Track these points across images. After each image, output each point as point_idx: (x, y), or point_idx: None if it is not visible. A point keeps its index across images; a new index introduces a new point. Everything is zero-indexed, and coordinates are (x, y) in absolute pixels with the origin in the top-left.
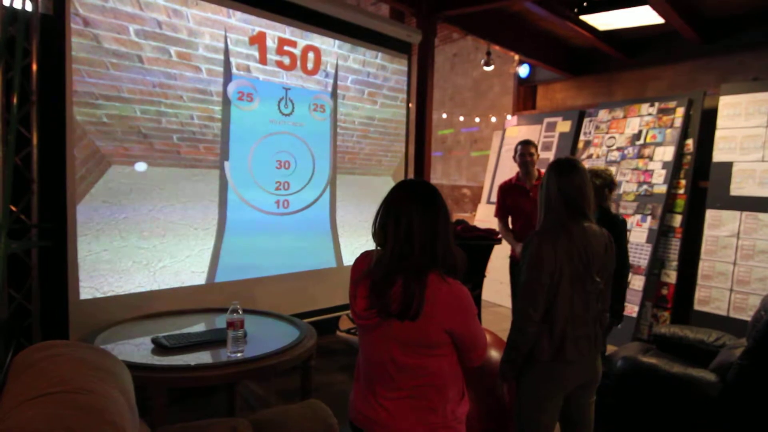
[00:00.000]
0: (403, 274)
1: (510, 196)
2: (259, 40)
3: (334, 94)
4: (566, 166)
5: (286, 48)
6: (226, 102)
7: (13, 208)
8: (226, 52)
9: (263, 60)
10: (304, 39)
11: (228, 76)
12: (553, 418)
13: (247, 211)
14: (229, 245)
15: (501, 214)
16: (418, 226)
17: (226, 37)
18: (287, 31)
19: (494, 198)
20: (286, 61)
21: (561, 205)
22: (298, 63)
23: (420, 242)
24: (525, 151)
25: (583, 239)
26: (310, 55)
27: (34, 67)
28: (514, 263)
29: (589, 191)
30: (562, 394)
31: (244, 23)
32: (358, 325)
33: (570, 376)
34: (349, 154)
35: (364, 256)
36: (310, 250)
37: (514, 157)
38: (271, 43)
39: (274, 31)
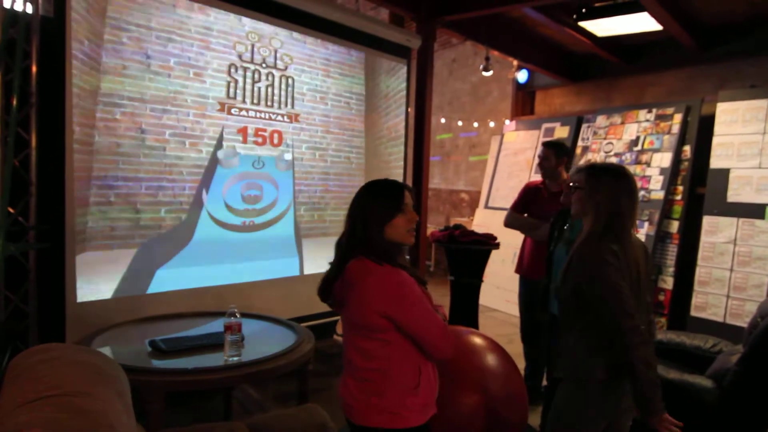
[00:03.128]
0: (336, 262)
1: (527, 197)
2: (243, 131)
3: (293, 156)
4: (619, 173)
5: (259, 132)
6: (214, 160)
7: (11, 210)
8: (221, 139)
9: (245, 141)
10: (270, 126)
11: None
12: None
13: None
14: (227, 248)
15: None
16: (351, 214)
17: (222, 131)
18: (260, 124)
19: (492, 203)
20: (260, 140)
21: (611, 213)
22: (267, 140)
23: (350, 228)
24: (542, 153)
25: (633, 250)
26: (275, 135)
27: (34, 69)
28: (526, 281)
29: (638, 201)
30: (606, 421)
31: (235, 122)
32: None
33: (620, 399)
34: (317, 210)
35: None
36: (309, 253)
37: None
38: (250, 131)
39: (253, 124)
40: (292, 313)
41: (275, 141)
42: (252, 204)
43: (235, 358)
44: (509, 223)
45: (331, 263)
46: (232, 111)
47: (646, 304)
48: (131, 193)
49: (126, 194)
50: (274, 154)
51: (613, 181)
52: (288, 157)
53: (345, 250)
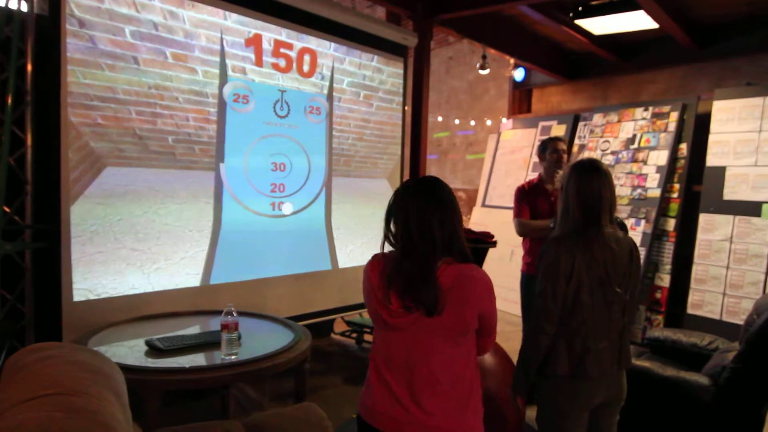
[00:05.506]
0: (426, 269)
1: (529, 198)
2: (254, 42)
3: (329, 97)
4: (586, 168)
5: (282, 50)
6: (222, 104)
7: (7, 209)
8: (222, 53)
9: (259, 62)
10: (300, 41)
11: (224, 78)
12: None
13: (242, 213)
14: (224, 247)
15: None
16: (439, 222)
17: (222, 39)
18: (283, 34)
19: (489, 201)
20: (282, 63)
21: (579, 209)
22: (294, 65)
23: (438, 236)
24: (559, 146)
25: (604, 246)
26: (306, 57)
27: (29, 67)
28: (528, 279)
29: (610, 195)
30: (585, 411)
31: (240, 25)
32: (392, 324)
33: (591, 393)
34: (344, 156)
35: (380, 258)
36: (305, 252)
37: (541, 156)
38: (267, 45)
39: (270, 33)
40: (290, 311)
41: (305, 68)
42: (278, 178)
43: (232, 357)
44: (526, 232)
45: (402, 271)
46: None
47: (621, 302)
48: (120, 116)
49: (114, 117)
50: (305, 91)
51: (579, 177)
52: (322, 100)
53: (427, 256)
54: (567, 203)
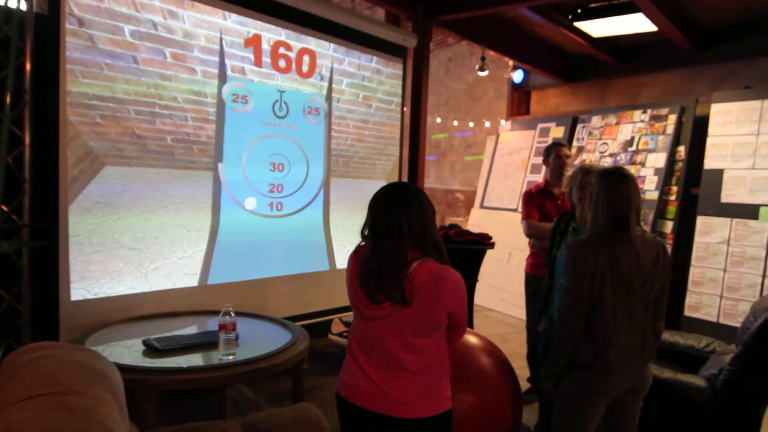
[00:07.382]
0: (393, 264)
1: (537, 201)
2: (254, 42)
3: (328, 97)
4: (615, 176)
5: (281, 51)
6: (221, 104)
7: (5, 208)
8: (221, 53)
9: (258, 62)
10: (299, 42)
11: (223, 78)
12: (590, 425)
13: (241, 213)
14: (222, 247)
15: (531, 216)
16: (406, 220)
17: (221, 39)
18: (282, 34)
19: (487, 203)
20: (282, 63)
21: (608, 214)
22: (293, 66)
23: (406, 231)
24: (563, 152)
25: (629, 248)
26: (306, 57)
27: (28, 66)
28: (531, 279)
29: (638, 200)
30: (603, 402)
31: (240, 25)
32: (367, 315)
33: (615, 383)
34: (343, 157)
35: (361, 250)
36: (303, 253)
37: (545, 161)
38: (266, 46)
39: (270, 33)
40: (288, 312)
41: (305, 68)
42: (276, 179)
43: (230, 357)
44: (533, 233)
45: (379, 265)
46: None
47: (645, 301)
48: (119, 116)
49: (113, 116)
50: (304, 91)
51: (609, 185)
52: (321, 101)
53: (394, 252)
54: (596, 209)
